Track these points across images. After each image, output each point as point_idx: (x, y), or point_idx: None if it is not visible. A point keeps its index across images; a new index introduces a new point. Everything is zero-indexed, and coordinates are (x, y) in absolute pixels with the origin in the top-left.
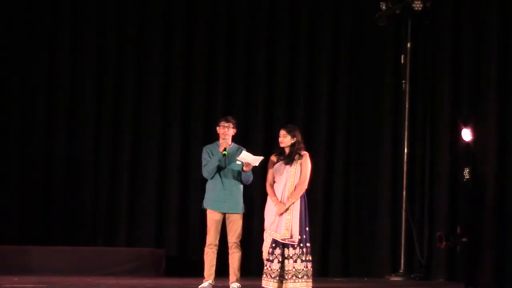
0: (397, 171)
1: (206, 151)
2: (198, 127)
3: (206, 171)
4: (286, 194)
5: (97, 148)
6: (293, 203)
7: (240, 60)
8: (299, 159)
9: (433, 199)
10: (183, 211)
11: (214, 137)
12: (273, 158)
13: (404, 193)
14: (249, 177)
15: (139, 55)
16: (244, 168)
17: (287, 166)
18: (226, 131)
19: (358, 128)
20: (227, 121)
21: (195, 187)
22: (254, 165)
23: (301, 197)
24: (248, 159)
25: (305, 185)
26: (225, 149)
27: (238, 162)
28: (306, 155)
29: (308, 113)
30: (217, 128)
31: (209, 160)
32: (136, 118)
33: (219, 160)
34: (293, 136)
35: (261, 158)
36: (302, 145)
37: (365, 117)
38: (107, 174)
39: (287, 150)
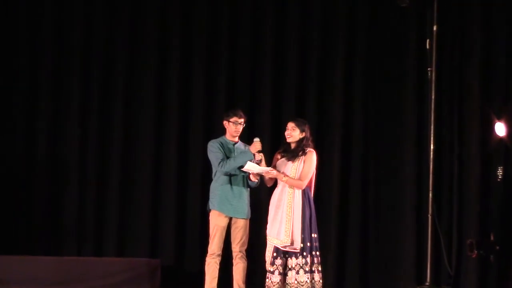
0: (421, 170)
1: (216, 145)
2: (197, 122)
3: (227, 166)
4: (286, 194)
5: (83, 146)
6: (285, 181)
7: (244, 45)
8: (302, 155)
9: (463, 202)
10: (181, 216)
11: (214, 134)
12: (278, 155)
13: (430, 195)
14: (256, 183)
15: (130, 40)
16: (252, 179)
17: (289, 163)
18: (239, 129)
19: (377, 122)
20: (240, 117)
21: (195, 189)
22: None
23: (304, 199)
24: (254, 170)
25: (303, 184)
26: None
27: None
28: (311, 152)
29: (321, 105)
30: (226, 123)
31: (226, 157)
32: (127, 112)
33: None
34: (302, 131)
35: (268, 169)
36: (309, 143)
37: (386, 110)
38: (94, 174)
39: (292, 146)
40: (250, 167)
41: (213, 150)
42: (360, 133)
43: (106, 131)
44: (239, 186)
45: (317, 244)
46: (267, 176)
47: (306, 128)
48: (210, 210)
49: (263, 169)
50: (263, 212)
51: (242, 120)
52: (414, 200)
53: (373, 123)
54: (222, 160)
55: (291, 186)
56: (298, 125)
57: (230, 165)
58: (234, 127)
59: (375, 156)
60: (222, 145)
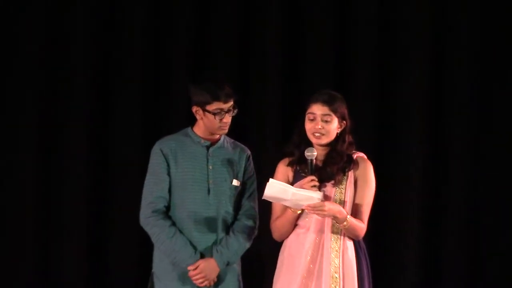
0: None
1: (157, 155)
2: (137, 120)
3: (154, 235)
4: (327, 248)
5: None
6: (346, 227)
7: None
8: (351, 169)
9: None
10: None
11: (163, 132)
12: (285, 167)
13: None
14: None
15: None
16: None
17: (329, 187)
18: (227, 121)
19: (484, 119)
20: (227, 98)
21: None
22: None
23: (360, 254)
24: (286, 199)
25: (365, 228)
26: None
27: (234, 183)
28: (365, 160)
29: (382, 92)
30: (198, 111)
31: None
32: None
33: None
34: (342, 118)
35: (319, 195)
36: (352, 138)
37: (502, 97)
38: None
39: (323, 151)
40: (276, 192)
41: (150, 166)
42: (455, 129)
43: None
44: (218, 231)
45: None
46: (320, 214)
47: (346, 111)
48: None
49: (308, 196)
50: (267, 274)
51: (231, 103)
52: None
53: (477, 118)
54: (152, 203)
55: (344, 233)
56: (333, 109)
57: (159, 241)
58: (217, 120)
59: (484, 174)
60: (174, 151)
